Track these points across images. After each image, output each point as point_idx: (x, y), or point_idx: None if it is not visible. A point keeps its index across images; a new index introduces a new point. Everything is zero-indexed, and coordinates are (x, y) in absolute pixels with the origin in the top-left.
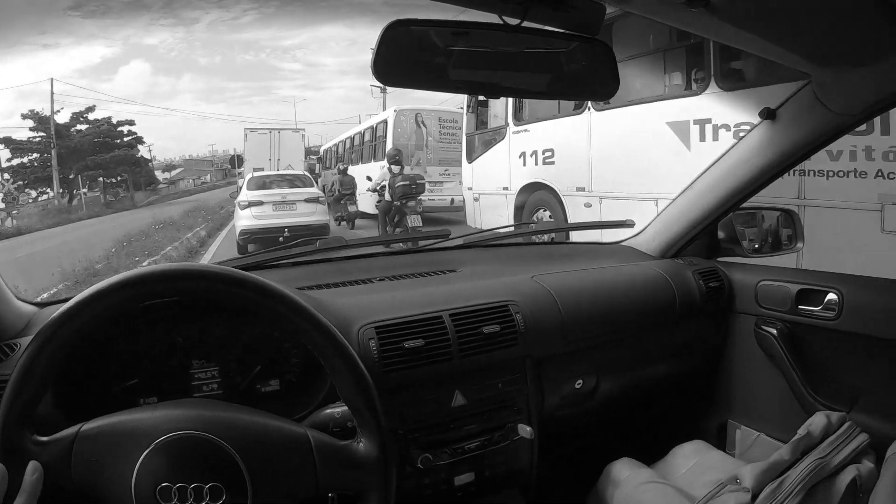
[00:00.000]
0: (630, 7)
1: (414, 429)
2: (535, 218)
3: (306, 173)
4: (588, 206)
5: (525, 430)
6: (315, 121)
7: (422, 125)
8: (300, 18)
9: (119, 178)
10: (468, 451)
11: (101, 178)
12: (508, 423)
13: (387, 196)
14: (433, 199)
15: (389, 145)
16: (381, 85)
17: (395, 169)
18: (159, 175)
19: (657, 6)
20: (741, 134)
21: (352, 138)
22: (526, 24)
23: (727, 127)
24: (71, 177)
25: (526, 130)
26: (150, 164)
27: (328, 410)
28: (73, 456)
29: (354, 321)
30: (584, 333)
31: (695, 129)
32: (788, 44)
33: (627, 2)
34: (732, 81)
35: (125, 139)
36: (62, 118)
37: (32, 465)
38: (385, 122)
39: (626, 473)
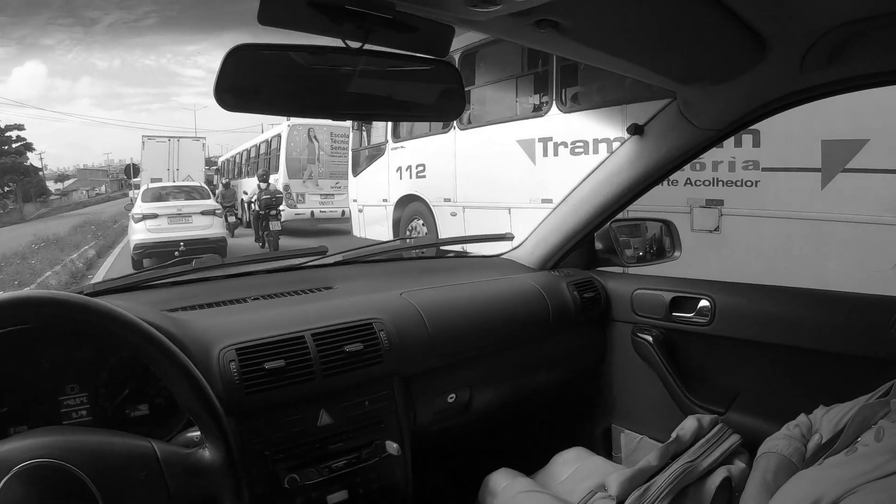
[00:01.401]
0: (479, 29)
1: (280, 449)
2: (410, 227)
3: (203, 185)
4: (454, 214)
5: (392, 447)
6: (216, 129)
7: (314, 139)
8: (203, 23)
9: (6, 189)
10: (336, 469)
11: None
12: (376, 441)
13: (255, 207)
14: (325, 211)
15: (283, 158)
16: None
17: (262, 185)
18: (51, 186)
19: (508, 28)
20: (577, 150)
21: (248, 150)
22: (370, 46)
23: (565, 144)
24: None
25: (402, 147)
26: (40, 173)
27: (188, 434)
28: None
29: (216, 343)
30: (453, 348)
31: (539, 146)
32: (649, 64)
33: (475, 23)
34: (570, 105)
35: (13, 145)
36: None
37: None
38: (279, 135)
39: (503, 483)
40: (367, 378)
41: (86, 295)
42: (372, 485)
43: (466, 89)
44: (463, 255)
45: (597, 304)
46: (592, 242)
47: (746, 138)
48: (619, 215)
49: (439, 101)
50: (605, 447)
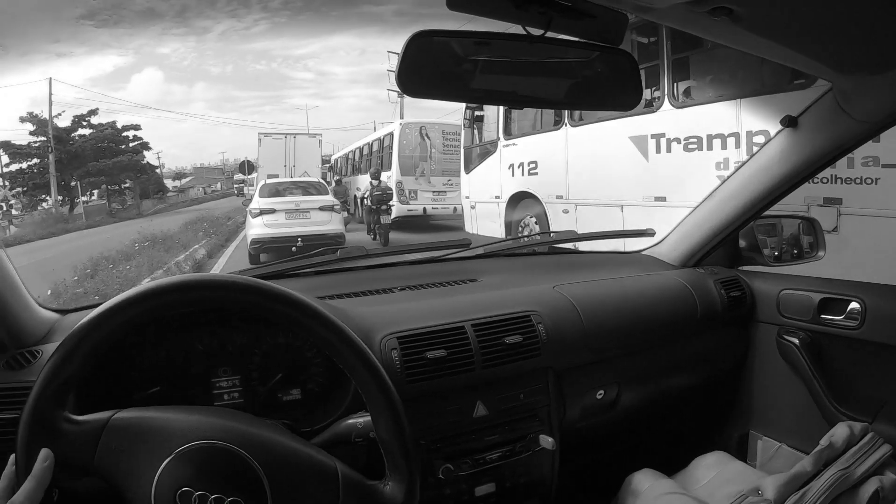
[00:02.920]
0: (653, 17)
1: (436, 439)
2: (522, 223)
3: (321, 180)
4: (566, 212)
5: (547, 441)
6: (329, 127)
7: (426, 137)
8: (311, 28)
9: (124, 186)
10: (489, 461)
11: (104, 185)
12: (530, 434)
13: (368, 203)
14: (436, 208)
15: (395, 156)
16: (397, 90)
17: (374, 182)
18: (169, 183)
19: (681, 15)
20: (690, 146)
21: (361, 148)
22: (549, 34)
23: (678, 140)
24: (72, 183)
25: (514, 144)
26: (156, 171)
27: (351, 420)
28: (100, 440)
29: (376, 331)
30: (606, 343)
31: (652, 142)
32: (810, 52)
33: (650, 11)
34: (683, 99)
35: (130, 144)
36: (63, 122)
37: (44, 453)
38: (391, 134)
39: (646, 484)
40: (524, 371)
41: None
42: (520, 478)
43: None
44: (601, 252)
45: (743, 303)
46: (736, 240)
47: None
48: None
49: (615, 89)
50: (739, 453)
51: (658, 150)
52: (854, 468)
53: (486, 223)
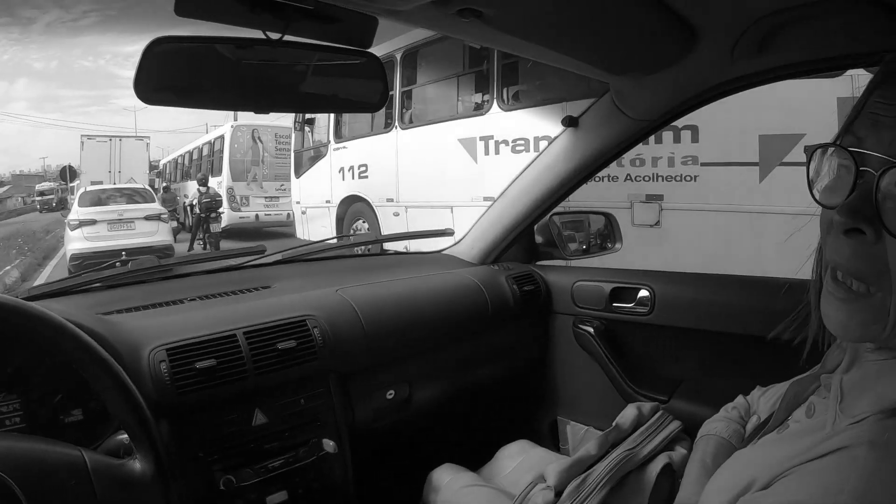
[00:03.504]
0: (402, 19)
1: (214, 450)
2: (353, 227)
3: (147, 187)
4: (396, 214)
5: (329, 445)
6: (158, 129)
7: (258, 141)
8: (143, 24)
9: None
10: (272, 469)
11: None
12: (312, 439)
13: (196, 210)
14: (269, 215)
15: (226, 160)
16: None
17: (202, 189)
18: None
19: (431, 18)
20: (518, 148)
21: (190, 153)
22: (290, 37)
23: (506, 142)
24: None
25: (344, 147)
26: None
27: (119, 437)
28: None
29: (146, 344)
30: (389, 344)
31: (480, 144)
32: (580, 55)
33: (398, 13)
34: (511, 103)
35: None
36: None
37: None
38: (222, 137)
39: (447, 478)
40: (302, 376)
41: (21, 299)
42: (312, 484)
43: (409, 88)
44: (402, 252)
45: (537, 296)
46: (533, 236)
47: (685, 133)
48: (561, 208)
49: (363, 92)
50: (552, 439)
51: (486, 152)
52: (641, 447)
53: (318, 228)
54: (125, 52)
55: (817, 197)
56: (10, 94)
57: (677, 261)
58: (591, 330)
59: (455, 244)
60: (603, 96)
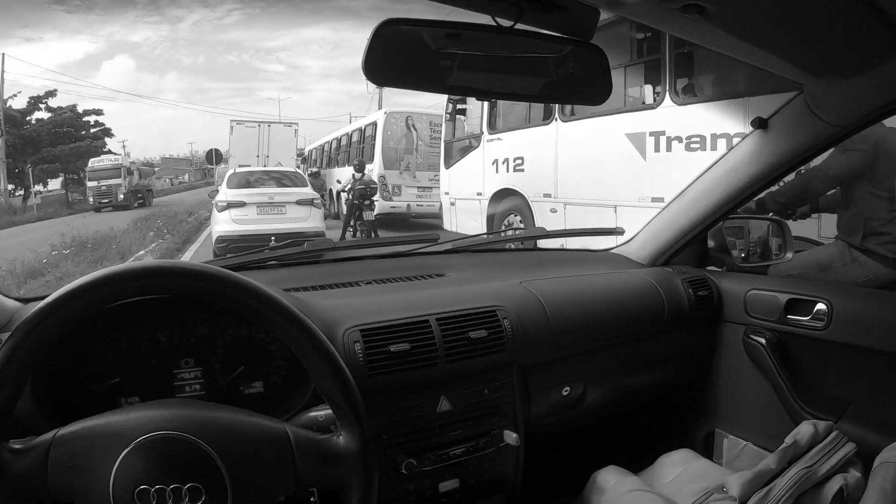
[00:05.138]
0: (624, 12)
1: (399, 434)
2: (506, 222)
3: (298, 171)
4: (554, 211)
5: (511, 437)
6: (301, 118)
7: (412, 129)
8: (284, 20)
9: (82, 175)
10: (453, 457)
11: (62, 174)
12: (494, 430)
13: (349, 197)
14: (421, 205)
15: (378, 147)
16: None
17: (357, 175)
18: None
19: (652, 12)
20: (692, 146)
21: (338, 139)
22: (519, 26)
23: (679, 138)
24: (27, 169)
25: (499, 139)
26: None
27: (311, 413)
28: (49, 463)
29: (340, 324)
30: (572, 340)
31: (650, 140)
32: (782, 53)
33: (621, 6)
34: (686, 96)
35: (91, 130)
36: (18, 104)
37: None
38: (374, 123)
39: (612, 481)
40: (488, 366)
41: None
42: (484, 475)
43: None
44: (571, 249)
45: (710, 302)
46: (705, 240)
47: None
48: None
49: (585, 84)
50: (705, 451)
51: (657, 149)
52: (818, 466)
53: (467, 221)
54: (267, 48)
55: None
56: (161, 87)
57: None
58: (764, 341)
59: (624, 244)
60: (795, 98)
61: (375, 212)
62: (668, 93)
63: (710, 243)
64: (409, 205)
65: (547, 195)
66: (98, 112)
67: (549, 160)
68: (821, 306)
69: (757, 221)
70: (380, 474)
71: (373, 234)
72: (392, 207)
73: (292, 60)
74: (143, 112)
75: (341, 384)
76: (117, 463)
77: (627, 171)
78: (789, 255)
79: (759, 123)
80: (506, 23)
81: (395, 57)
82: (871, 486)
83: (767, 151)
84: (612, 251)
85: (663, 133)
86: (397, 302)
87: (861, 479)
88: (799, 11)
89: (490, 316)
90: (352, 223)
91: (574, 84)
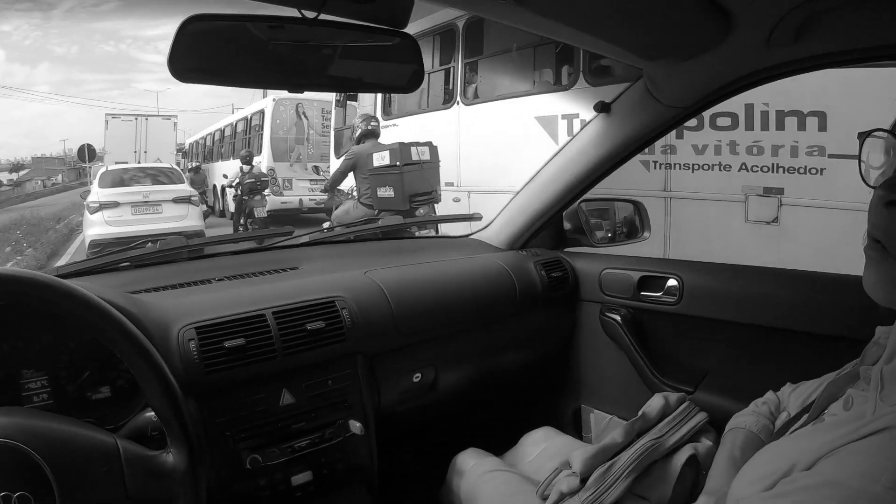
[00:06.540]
0: (442, 1)
1: (241, 429)
2: None
3: (174, 167)
4: (457, 200)
5: (355, 426)
6: (182, 109)
7: (303, 117)
8: (164, 7)
9: None
10: (299, 449)
11: None
12: (339, 420)
13: (238, 192)
14: (315, 199)
15: (266, 138)
16: None
17: (246, 168)
18: (4, 176)
19: (469, 1)
20: None
21: (221, 130)
22: (326, 16)
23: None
24: None
25: (395, 125)
26: None
27: (146, 414)
28: None
29: (176, 322)
30: (417, 327)
31: (563, 124)
32: (614, 39)
33: None
34: (601, 77)
35: None
36: None
37: None
38: (261, 112)
39: (471, 463)
40: (330, 357)
41: (51, 276)
42: (336, 465)
43: (474, 60)
44: (429, 236)
45: (564, 283)
46: (561, 222)
47: (811, 121)
48: (589, 195)
49: (398, 73)
50: (575, 427)
51: (570, 132)
52: (667, 437)
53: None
54: (146, 37)
55: (870, 181)
56: (32, 80)
57: (796, 263)
58: (619, 318)
59: (483, 229)
60: (636, 82)
61: (266, 206)
62: (581, 73)
63: (567, 225)
64: (301, 199)
65: (449, 184)
66: None
67: (451, 146)
68: (672, 282)
69: (621, 203)
70: (225, 472)
71: None
72: (283, 203)
73: None
74: (13, 108)
75: (171, 402)
76: None
77: (538, 155)
78: (647, 233)
79: (602, 107)
80: (310, 14)
81: (203, 53)
82: (720, 453)
83: (612, 134)
84: (472, 237)
85: (577, 116)
86: (238, 297)
87: (713, 448)
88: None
89: (328, 307)
90: (241, 221)
91: (388, 73)
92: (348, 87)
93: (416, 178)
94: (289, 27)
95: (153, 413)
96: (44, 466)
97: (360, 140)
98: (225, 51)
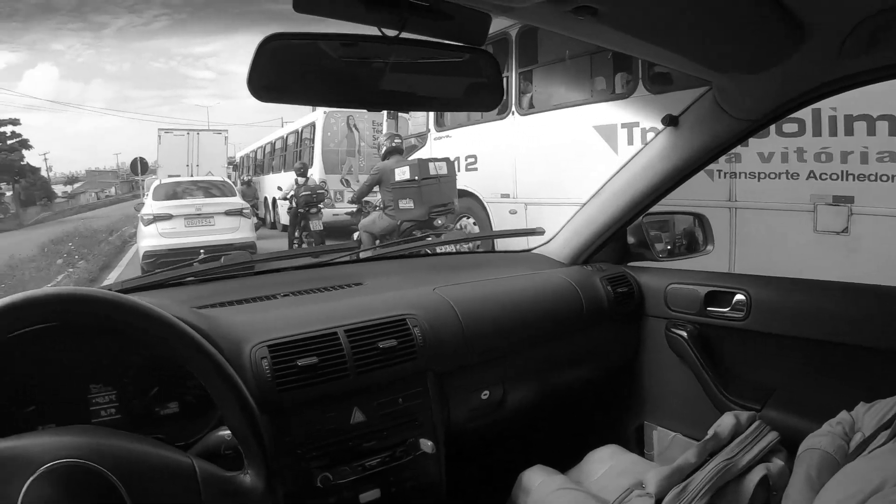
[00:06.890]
0: (515, 16)
1: (313, 448)
2: (458, 226)
3: (226, 180)
4: (513, 212)
5: (427, 445)
6: (231, 123)
7: (354, 129)
8: (212, 26)
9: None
10: (370, 467)
11: None
12: (410, 439)
13: (293, 205)
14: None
15: (318, 150)
16: None
17: (301, 180)
18: (59, 189)
19: (544, 15)
20: None
21: (272, 143)
22: (406, 35)
23: (655, 129)
24: None
25: (448, 136)
26: (40, 173)
27: (220, 433)
28: None
29: (248, 340)
30: (487, 344)
31: (622, 133)
32: (685, 51)
33: (512, 10)
34: (660, 84)
35: (8, 142)
36: None
37: None
38: (312, 125)
39: (538, 481)
40: (401, 375)
41: (116, 292)
42: (405, 483)
43: (528, 69)
44: (492, 251)
45: (630, 298)
46: (625, 237)
47: (881, 125)
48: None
49: (476, 90)
50: (637, 444)
51: (631, 142)
52: (740, 457)
53: None
54: (195, 54)
55: None
56: (85, 96)
57: (870, 276)
58: (685, 334)
59: (545, 243)
60: (704, 95)
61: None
62: (640, 81)
63: (630, 239)
64: (351, 212)
65: (505, 195)
66: (14, 122)
67: (506, 157)
68: (739, 297)
69: (682, 216)
70: (295, 489)
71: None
72: (335, 215)
73: (221, 66)
74: (68, 124)
75: (250, 423)
76: (25, 487)
77: (596, 165)
78: (710, 247)
79: (670, 121)
80: (391, 32)
81: (281, 71)
82: (796, 473)
83: (679, 147)
84: (534, 251)
85: (637, 124)
86: (309, 314)
87: (785, 468)
88: (697, 10)
89: (400, 325)
90: (296, 234)
91: (467, 90)
92: (429, 107)
93: (434, 191)
94: (368, 45)
95: (227, 432)
96: (119, 488)
97: (385, 156)
98: (303, 69)
